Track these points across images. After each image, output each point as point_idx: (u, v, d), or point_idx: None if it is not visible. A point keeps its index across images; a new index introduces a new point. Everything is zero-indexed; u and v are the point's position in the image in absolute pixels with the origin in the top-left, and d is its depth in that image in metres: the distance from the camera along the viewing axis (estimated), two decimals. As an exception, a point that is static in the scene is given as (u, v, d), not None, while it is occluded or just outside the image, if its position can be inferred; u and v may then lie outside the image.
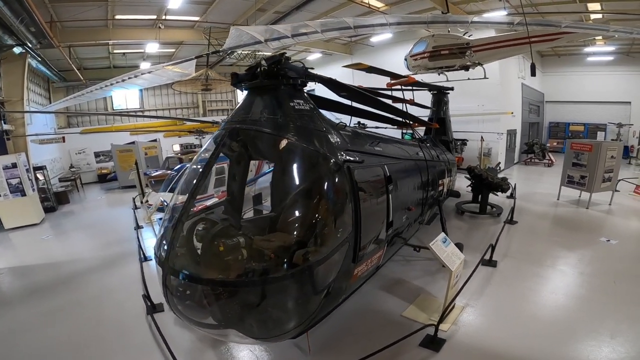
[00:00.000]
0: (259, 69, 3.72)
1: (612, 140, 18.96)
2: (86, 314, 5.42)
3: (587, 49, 19.43)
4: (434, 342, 4.19)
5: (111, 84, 4.90)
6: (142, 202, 12.78)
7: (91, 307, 5.61)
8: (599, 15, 11.46)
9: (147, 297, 5.32)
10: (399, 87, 8.56)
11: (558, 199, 11.10)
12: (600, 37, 15.96)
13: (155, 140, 19.52)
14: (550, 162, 18.41)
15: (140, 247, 7.71)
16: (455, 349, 4.18)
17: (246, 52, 14.78)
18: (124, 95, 21.99)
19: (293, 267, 3.02)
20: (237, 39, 3.79)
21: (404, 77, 8.56)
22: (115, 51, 16.74)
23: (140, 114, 21.09)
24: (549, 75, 22.75)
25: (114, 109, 21.84)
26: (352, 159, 3.73)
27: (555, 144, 22.74)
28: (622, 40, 16.46)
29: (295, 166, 3.68)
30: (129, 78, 5.00)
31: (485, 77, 10.77)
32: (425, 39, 11.06)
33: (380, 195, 4.26)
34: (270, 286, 3.06)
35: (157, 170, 14.76)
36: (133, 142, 18.55)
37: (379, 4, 12.32)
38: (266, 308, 3.16)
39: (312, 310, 3.29)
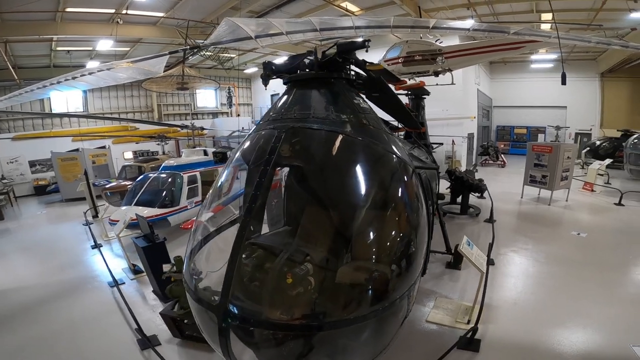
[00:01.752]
0: (320, 58, 3.18)
1: (551, 142, 21.01)
2: (58, 352, 4.48)
3: (533, 57, 21.35)
4: (472, 343, 4.19)
5: (58, 82, 4.18)
6: (94, 217, 11.42)
7: (62, 345, 4.66)
8: (547, 26, 12.62)
9: (139, 330, 4.56)
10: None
11: (522, 197, 11.89)
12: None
13: (104, 147, 17.66)
14: (503, 163, 19.85)
15: (108, 269, 6.75)
16: (493, 347, 4.23)
17: (209, 54, 13.95)
18: (65, 98, 19.66)
19: (392, 295, 2.56)
20: (226, 32, 3.46)
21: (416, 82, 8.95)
22: (58, 48, 14.82)
23: (102, 115, 18.87)
24: (496, 81, 24.68)
25: (53, 112, 19.44)
26: (420, 164, 3.40)
27: (502, 146, 24.64)
28: (563, 49, 18.28)
29: (380, 176, 3.08)
30: (89, 74, 4.29)
31: (452, 83, 11.27)
32: (399, 45, 11.30)
33: (430, 200, 4.00)
34: (366, 322, 2.48)
35: (108, 181, 13.30)
36: (77, 150, 16.58)
37: (355, 8, 12.35)
38: (356, 345, 2.65)
39: (392, 336, 2.81)
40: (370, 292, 2.60)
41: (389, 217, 2.92)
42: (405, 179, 3.05)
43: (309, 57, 3.41)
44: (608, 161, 14.58)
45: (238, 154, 3.39)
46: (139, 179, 9.65)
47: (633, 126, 18.78)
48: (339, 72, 3.33)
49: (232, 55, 17.22)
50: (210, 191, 3.43)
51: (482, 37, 9.33)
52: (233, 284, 2.30)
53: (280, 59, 3.73)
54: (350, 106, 3.20)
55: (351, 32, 3.37)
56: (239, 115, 25.33)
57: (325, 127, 2.89)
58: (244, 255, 2.95)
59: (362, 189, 3.00)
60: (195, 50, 11.63)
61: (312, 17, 3.55)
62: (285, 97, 3.34)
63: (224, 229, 3.47)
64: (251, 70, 23.52)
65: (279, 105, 3.27)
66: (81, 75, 4.34)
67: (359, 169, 3.04)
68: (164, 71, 9.07)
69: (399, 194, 3.04)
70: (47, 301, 5.98)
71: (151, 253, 5.02)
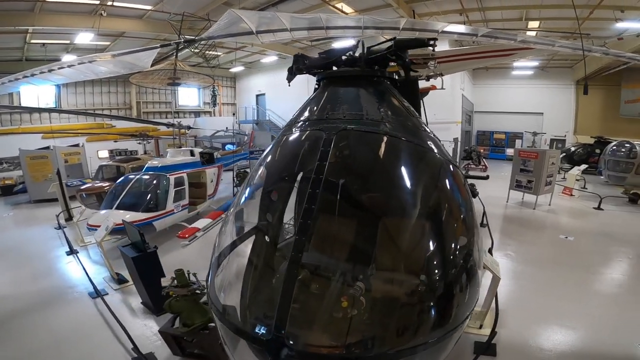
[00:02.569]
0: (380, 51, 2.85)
1: (527, 147, 21.72)
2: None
3: (515, 63, 22.01)
4: (489, 348, 4.21)
5: (32, 75, 3.85)
6: (67, 220, 10.68)
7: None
8: (533, 33, 13.01)
9: (135, 349, 4.18)
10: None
11: (507, 202, 12.13)
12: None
13: (77, 145, 16.66)
14: (484, 167, 20.31)
15: (89, 278, 6.26)
16: (509, 350, 4.30)
17: (196, 50, 13.42)
18: (36, 93, 18.47)
19: (460, 315, 2.35)
20: (227, 25, 3.25)
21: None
22: (33, 41, 13.86)
23: (82, 111, 17.79)
24: (478, 86, 25.32)
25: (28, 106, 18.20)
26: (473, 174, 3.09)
27: (482, 150, 25.29)
28: (546, 55, 18.91)
29: (444, 187, 2.76)
30: (68, 66, 3.94)
31: (442, 88, 11.37)
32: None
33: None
34: (435, 346, 2.22)
35: (82, 182, 12.52)
36: (48, 147, 15.57)
37: (350, 10, 12.26)
38: None
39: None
40: (443, 313, 2.33)
41: (457, 233, 2.66)
42: (464, 191, 2.81)
43: (348, 53, 3.10)
44: (584, 167, 15.18)
45: (272, 158, 3.01)
46: (119, 180, 9.08)
47: (605, 133, 19.68)
48: (383, 71, 3.04)
49: (219, 53, 16.74)
50: (240, 196, 2.98)
51: (472, 43, 9.44)
52: (290, 315, 1.94)
53: (306, 55, 3.42)
54: (403, 108, 2.93)
55: (358, 31, 3.18)
56: (235, 114, 24.72)
57: (383, 131, 2.55)
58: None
59: (429, 201, 2.66)
60: (189, 44, 11.13)
61: (319, 14, 3.35)
62: (325, 94, 2.95)
63: (263, 244, 3.05)
64: (236, 69, 23.03)
65: (319, 103, 2.89)
66: (59, 68, 3.95)
67: (423, 180, 2.72)
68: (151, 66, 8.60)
69: (463, 208, 2.75)
70: (22, 314, 5.43)
71: (142, 263, 4.63)
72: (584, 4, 11.03)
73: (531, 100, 23.69)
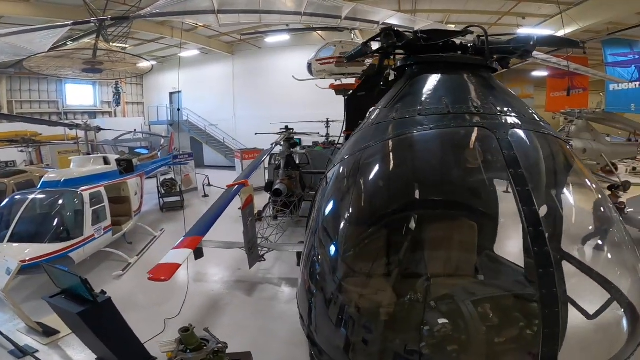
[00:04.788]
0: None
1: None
2: None
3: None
4: None
5: None
6: None
7: None
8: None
9: None
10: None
11: None
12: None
13: None
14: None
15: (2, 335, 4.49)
16: None
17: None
18: None
19: None
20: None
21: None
22: None
23: None
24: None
25: None
26: None
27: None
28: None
29: (597, 188, 2.40)
30: None
31: (383, 87, 11.58)
32: (332, 45, 11.03)
33: None
34: None
35: None
36: None
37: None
38: None
39: None
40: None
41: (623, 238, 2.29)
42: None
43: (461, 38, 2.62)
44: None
45: (394, 165, 2.46)
46: (4, 203, 6.76)
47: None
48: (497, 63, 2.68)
49: (126, 46, 14.14)
50: (351, 222, 2.39)
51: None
52: None
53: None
54: (523, 103, 2.59)
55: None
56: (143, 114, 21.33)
57: (535, 129, 2.19)
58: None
59: (593, 203, 2.31)
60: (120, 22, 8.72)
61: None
62: (433, 83, 2.47)
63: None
64: (144, 64, 20.06)
65: (428, 93, 2.39)
66: None
67: (587, 182, 2.37)
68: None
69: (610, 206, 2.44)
70: None
71: (93, 319, 3.20)
72: (495, 11, 12.55)
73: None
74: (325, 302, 2.14)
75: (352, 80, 10.89)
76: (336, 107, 13.20)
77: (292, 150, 10.46)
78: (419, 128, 2.19)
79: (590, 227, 2.38)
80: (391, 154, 2.42)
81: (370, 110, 2.84)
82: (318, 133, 13.62)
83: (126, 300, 5.21)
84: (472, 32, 2.62)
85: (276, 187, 8.99)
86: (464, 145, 2.33)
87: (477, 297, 2.16)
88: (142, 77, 22.97)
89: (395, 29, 2.40)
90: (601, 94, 15.44)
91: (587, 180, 2.40)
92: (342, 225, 2.40)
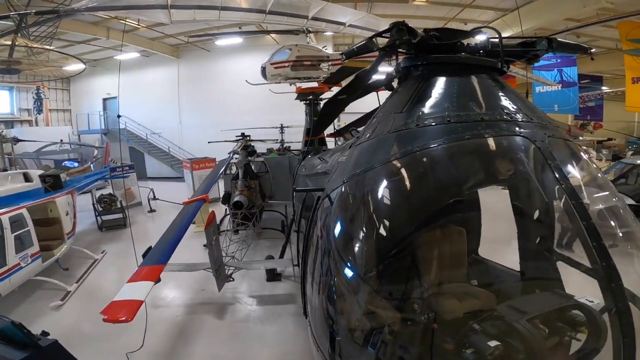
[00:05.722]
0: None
1: None
2: None
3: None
4: None
5: None
6: None
7: None
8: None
9: None
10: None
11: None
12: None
13: None
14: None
15: None
16: None
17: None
18: None
19: None
20: None
21: None
22: None
23: None
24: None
25: None
26: None
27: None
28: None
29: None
30: None
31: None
32: (287, 48, 10.72)
33: None
34: None
35: None
36: None
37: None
38: None
39: None
40: None
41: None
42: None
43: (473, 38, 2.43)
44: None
45: (427, 179, 2.19)
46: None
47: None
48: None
49: (50, 48, 12.32)
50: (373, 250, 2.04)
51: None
52: None
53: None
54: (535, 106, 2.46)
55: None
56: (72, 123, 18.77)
57: (562, 136, 2.08)
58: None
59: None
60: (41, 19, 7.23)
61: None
62: (453, 86, 2.20)
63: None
64: (74, 66, 17.85)
65: (451, 97, 2.12)
66: None
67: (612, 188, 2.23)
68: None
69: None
70: None
71: None
72: (442, 17, 13.41)
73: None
74: (369, 334, 1.90)
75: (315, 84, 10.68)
76: (293, 112, 12.93)
77: (249, 158, 9.89)
78: (453, 137, 1.95)
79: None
80: (430, 166, 2.12)
81: (376, 116, 2.52)
82: (276, 140, 13.15)
83: (75, 333, 4.66)
84: (483, 32, 2.47)
85: (236, 199, 8.35)
86: (510, 157, 2.11)
87: (538, 314, 1.99)
88: (69, 81, 20.44)
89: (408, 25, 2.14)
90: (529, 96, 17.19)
91: (612, 186, 2.33)
92: (380, 252, 2.06)
